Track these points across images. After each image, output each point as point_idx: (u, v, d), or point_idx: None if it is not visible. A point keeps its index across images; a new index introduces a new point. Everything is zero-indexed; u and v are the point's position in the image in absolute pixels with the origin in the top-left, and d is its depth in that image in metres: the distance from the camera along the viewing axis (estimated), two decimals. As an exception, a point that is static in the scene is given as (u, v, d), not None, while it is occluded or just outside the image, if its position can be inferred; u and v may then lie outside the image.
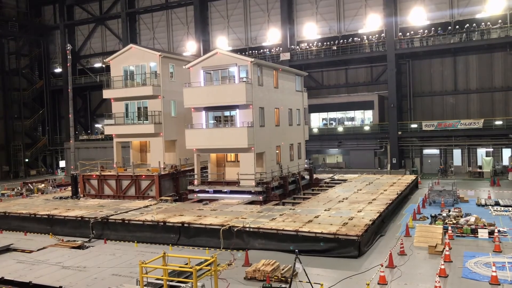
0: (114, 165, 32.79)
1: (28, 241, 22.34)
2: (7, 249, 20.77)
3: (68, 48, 35.75)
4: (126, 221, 22.55)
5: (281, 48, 47.99)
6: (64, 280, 15.43)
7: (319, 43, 47.09)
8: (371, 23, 45.52)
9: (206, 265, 13.33)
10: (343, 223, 19.47)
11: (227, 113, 28.56)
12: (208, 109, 28.64)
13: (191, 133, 28.49)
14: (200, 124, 28.74)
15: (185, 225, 20.98)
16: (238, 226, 19.76)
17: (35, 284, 15.39)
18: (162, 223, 21.60)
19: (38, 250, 20.07)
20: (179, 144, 32.73)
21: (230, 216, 21.98)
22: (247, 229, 19.58)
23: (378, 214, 21.18)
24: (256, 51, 49.76)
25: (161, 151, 31.54)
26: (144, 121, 32.11)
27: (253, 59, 27.40)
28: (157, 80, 31.59)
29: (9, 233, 24.93)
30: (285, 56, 47.03)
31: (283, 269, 15.61)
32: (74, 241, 21.75)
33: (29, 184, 40.24)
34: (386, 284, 14.39)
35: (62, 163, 61.20)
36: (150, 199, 28.90)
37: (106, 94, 33.25)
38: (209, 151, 28.83)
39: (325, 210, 22.70)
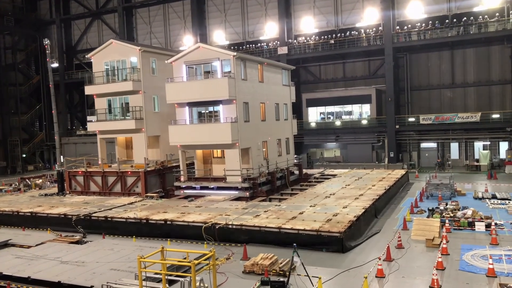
0: (99, 162, 32.70)
1: (26, 237, 22.34)
2: (5, 245, 20.77)
3: (47, 43, 35.61)
4: (109, 219, 22.47)
5: (278, 42, 47.85)
6: (63, 275, 15.43)
7: (317, 37, 46.96)
8: (369, 17, 45.42)
9: (205, 259, 13.35)
10: (327, 219, 19.38)
11: (211, 109, 28.21)
12: (191, 104, 28.30)
13: (174, 129, 28.17)
14: (183, 120, 28.45)
15: (168, 222, 20.85)
16: (220, 224, 19.64)
17: (34, 279, 15.40)
18: (145, 221, 21.49)
19: (37, 245, 20.06)
20: (163, 140, 32.57)
21: (214, 213, 21.85)
22: (230, 226, 19.46)
23: (363, 210, 21.03)
24: (254, 45, 49.62)
25: (143, 147, 31.39)
26: (126, 117, 31.94)
27: (235, 53, 27.08)
28: (137, 75, 31.35)
29: (7, 228, 24.92)
30: (283, 50, 46.89)
31: (281, 263, 15.66)
32: (73, 236, 21.74)
33: (27, 180, 40.16)
34: (384, 277, 14.46)
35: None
36: (135, 196, 28.72)
37: (88, 90, 33.17)
38: (193, 147, 28.54)
39: (310, 206, 22.62)
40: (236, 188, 26.96)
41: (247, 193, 26.56)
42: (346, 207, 21.86)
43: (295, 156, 36.28)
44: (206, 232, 19.53)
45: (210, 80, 27.30)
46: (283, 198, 27.56)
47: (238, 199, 26.35)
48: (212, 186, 27.60)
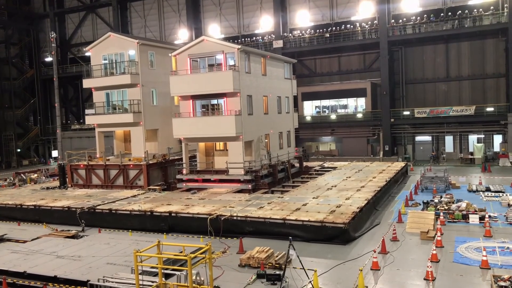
0: (97, 155, 32.61)
1: (21, 231, 22.27)
2: (0, 240, 20.72)
3: (53, 36, 35.40)
4: (113, 211, 22.47)
5: (273, 36, 47.75)
6: (59, 269, 15.44)
7: (312, 31, 46.89)
8: (364, 10, 45.38)
9: (201, 253, 13.40)
10: (331, 210, 19.50)
11: (214, 101, 28.23)
12: (195, 97, 28.27)
13: (178, 122, 28.10)
14: (187, 113, 28.46)
15: (173, 214, 20.91)
16: (225, 215, 19.72)
17: (30, 274, 15.38)
18: (149, 213, 21.52)
19: (32, 240, 20.02)
20: (161, 133, 32.53)
21: (218, 205, 21.93)
22: (235, 218, 19.56)
23: (366, 202, 21.19)
24: (249, 39, 49.47)
25: (141, 140, 31.31)
26: (124, 111, 31.86)
27: (240, 46, 27.05)
28: (135, 69, 31.18)
29: (2, 223, 24.85)
30: (278, 43, 46.81)
31: (277, 256, 15.74)
32: (68, 230, 21.71)
33: (22, 174, 40.00)
34: (379, 270, 14.57)
35: (54, 153, 60.79)
36: (138, 189, 28.74)
37: (86, 83, 33.01)
38: (197, 140, 28.52)
39: (313, 198, 22.73)
40: (238, 181, 26.97)
41: (250, 186, 26.58)
42: (348, 199, 21.97)
43: (296, 149, 36.27)
44: (212, 223, 19.63)
45: (215, 73, 27.25)
46: (285, 190, 27.63)
47: (240, 191, 26.35)
48: (214, 179, 27.55)
